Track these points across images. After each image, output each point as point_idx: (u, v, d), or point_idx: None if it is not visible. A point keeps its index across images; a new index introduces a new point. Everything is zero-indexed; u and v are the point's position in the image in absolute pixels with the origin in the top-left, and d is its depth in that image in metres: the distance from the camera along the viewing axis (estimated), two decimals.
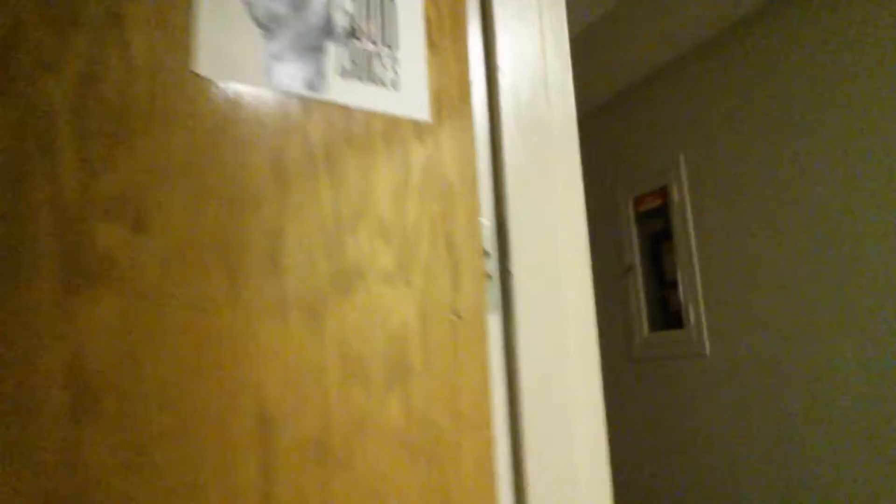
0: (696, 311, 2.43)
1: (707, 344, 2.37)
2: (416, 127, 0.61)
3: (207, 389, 0.46)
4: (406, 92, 0.60)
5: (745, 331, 2.22)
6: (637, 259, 2.79)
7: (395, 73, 0.60)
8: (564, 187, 0.76)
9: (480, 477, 0.58)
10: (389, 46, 0.60)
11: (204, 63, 0.49)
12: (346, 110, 0.56)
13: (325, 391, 0.51)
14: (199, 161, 0.48)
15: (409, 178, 0.59)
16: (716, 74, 2.39)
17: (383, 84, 0.59)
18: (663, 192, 2.67)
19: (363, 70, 0.58)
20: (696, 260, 2.45)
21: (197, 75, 0.49)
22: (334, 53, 0.56)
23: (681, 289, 2.53)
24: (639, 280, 2.76)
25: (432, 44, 0.64)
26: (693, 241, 2.47)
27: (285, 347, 0.49)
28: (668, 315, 2.70)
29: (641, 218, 2.83)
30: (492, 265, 0.71)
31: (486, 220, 0.71)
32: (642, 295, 2.74)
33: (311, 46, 0.55)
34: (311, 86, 0.54)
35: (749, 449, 2.17)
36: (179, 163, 0.47)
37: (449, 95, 0.64)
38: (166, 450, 0.44)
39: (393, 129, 0.59)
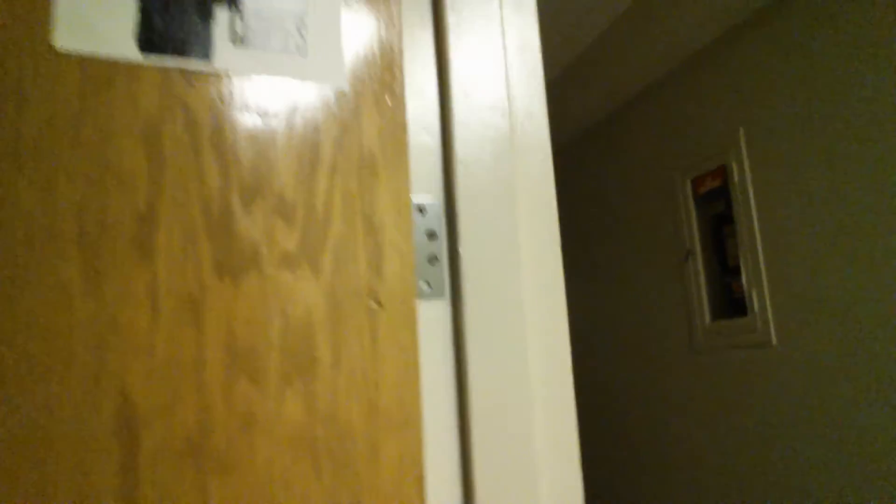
0: (761, 298, 2.22)
1: (773, 333, 2.17)
2: (328, 95, 0.55)
3: (60, 385, 0.42)
4: (315, 58, 0.54)
5: (815, 319, 2.01)
6: (697, 244, 2.60)
7: (302, 37, 0.54)
8: (527, 159, 0.68)
9: (403, 481, 0.52)
10: (295, 8, 0.54)
11: (64, 35, 0.46)
12: (239, 81, 0.51)
13: (203, 387, 0.46)
14: (56, 142, 0.45)
15: (319, 153, 0.53)
16: (774, 43, 2.17)
17: (286, 51, 0.53)
18: (722, 172, 2.47)
19: (261, 36, 0.52)
20: (759, 243, 2.25)
21: (56, 50, 0.45)
22: (226, 19, 0.51)
23: (743, 274, 2.32)
24: (699, 266, 2.57)
25: (350, 2, 0.58)
26: (756, 223, 2.26)
27: (155, 340, 0.45)
28: (731, 302, 2.49)
29: (701, 200, 2.63)
30: (439, 246, 0.64)
31: (433, 198, 0.64)
32: (703, 281, 2.55)
33: (196, 12, 0.50)
34: (195, 56, 0.50)
35: (821, 448, 1.96)
36: (31, 144, 0.44)
37: (372, 60, 0.58)
38: (10, 452, 0.41)
39: (298, 99, 0.53)
